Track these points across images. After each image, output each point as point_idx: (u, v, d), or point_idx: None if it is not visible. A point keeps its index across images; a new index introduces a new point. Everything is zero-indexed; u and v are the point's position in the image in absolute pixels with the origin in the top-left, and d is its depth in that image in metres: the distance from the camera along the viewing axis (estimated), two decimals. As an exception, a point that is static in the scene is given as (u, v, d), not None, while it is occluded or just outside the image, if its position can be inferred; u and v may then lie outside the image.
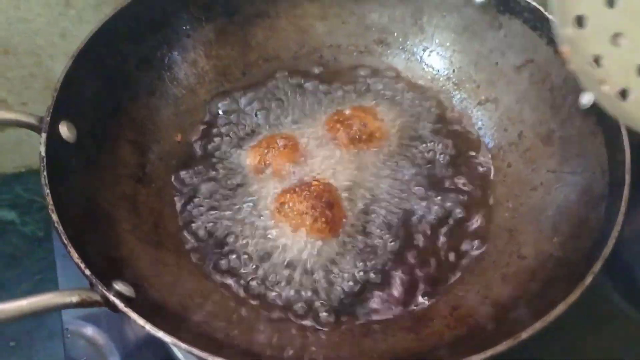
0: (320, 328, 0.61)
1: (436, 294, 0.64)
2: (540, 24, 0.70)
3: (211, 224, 0.68)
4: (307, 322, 0.61)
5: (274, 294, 0.63)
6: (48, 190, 0.54)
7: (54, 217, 0.52)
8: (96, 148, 0.64)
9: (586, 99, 0.66)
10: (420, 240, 0.68)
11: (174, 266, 0.63)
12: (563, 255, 0.60)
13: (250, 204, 0.69)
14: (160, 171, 0.71)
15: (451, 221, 0.69)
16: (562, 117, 0.69)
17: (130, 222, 0.63)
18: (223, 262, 0.65)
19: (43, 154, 0.56)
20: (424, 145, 0.75)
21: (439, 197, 0.71)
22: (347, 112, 0.75)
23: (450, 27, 0.78)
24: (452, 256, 0.67)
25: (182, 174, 0.72)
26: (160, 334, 0.47)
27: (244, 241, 0.67)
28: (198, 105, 0.77)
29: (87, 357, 0.71)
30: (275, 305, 0.62)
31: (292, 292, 0.63)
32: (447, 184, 0.72)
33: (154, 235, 0.65)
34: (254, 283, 0.64)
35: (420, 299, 0.64)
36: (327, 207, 0.65)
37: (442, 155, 0.74)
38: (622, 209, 0.56)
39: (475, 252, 0.67)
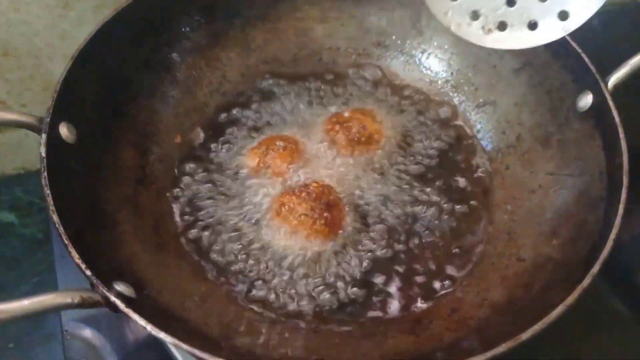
0: (320, 330, 0.61)
1: (435, 296, 0.64)
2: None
3: (211, 225, 0.68)
4: (307, 324, 0.61)
5: (273, 295, 0.63)
6: (48, 191, 0.54)
7: (55, 217, 0.52)
8: (96, 149, 0.64)
9: (584, 102, 0.66)
10: (418, 242, 0.68)
11: (175, 267, 0.64)
12: (562, 257, 0.60)
13: (250, 206, 0.69)
14: (160, 173, 0.71)
15: (450, 224, 0.69)
16: (560, 120, 0.69)
17: (131, 223, 0.64)
18: (223, 264, 0.65)
19: (43, 154, 0.56)
20: (423, 147, 0.75)
21: (438, 200, 0.71)
22: (346, 114, 0.75)
23: (449, 30, 0.79)
24: (451, 259, 0.67)
25: (182, 175, 0.72)
26: (162, 335, 0.47)
27: (244, 243, 0.67)
28: (198, 107, 0.77)
29: (86, 359, 0.71)
30: (275, 307, 0.62)
31: (291, 294, 0.63)
32: (445, 186, 0.72)
33: (154, 236, 0.65)
34: (254, 284, 0.64)
35: (419, 301, 0.64)
36: (326, 208, 0.65)
37: (440, 158, 0.75)
38: (620, 211, 0.56)
39: (474, 255, 0.67)
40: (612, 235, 0.54)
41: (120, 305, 0.49)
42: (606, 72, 0.65)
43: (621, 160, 0.59)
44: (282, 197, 0.67)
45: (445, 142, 0.76)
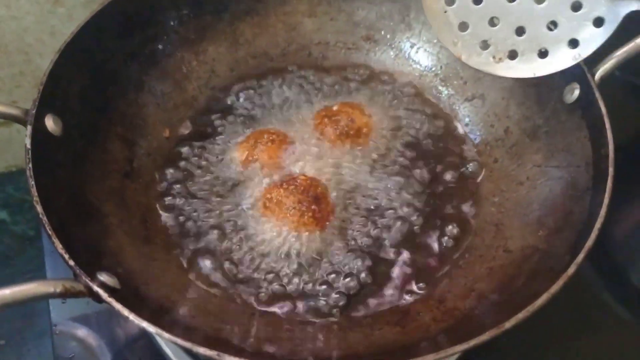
0: (306, 322, 0.61)
1: (423, 288, 0.64)
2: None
3: (199, 219, 0.68)
4: (294, 316, 0.61)
5: (260, 288, 0.63)
6: (33, 182, 0.54)
7: (39, 208, 0.52)
8: (83, 142, 0.64)
9: (571, 95, 0.66)
10: (407, 235, 0.68)
11: (162, 260, 0.63)
12: (548, 248, 0.60)
13: (238, 199, 0.69)
14: (148, 166, 0.71)
15: (438, 216, 0.69)
16: (547, 112, 0.69)
17: (118, 216, 0.63)
18: (210, 257, 0.65)
19: (28, 146, 0.56)
20: (411, 141, 0.75)
21: (426, 193, 0.71)
22: (335, 108, 0.75)
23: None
24: (439, 251, 0.67)
25: (170, 169, 0.72)
26: (144, 324, 0.47)
27: (231, 236, 0.66)
28: (186, 101, 0.77)
29: (76, 355, 0.71)
30: (262, 300, 0.62)
31: (278, 287, 0.63)
32: (434, 179, 0.72)
33: (141, 229, 0.65)
34: (240, 277, 0.64)
35: (407, 293, 0.64)
36: (314, 201, 0.65)
37: (429, 152, 0.75)
38: (606, 201, 0.56)
39: (462, 247, 0.67)
40: (598, 225, 0.54)
41: (103, 295, 0.48)
42: (592, 63, 0.65)
43: (607, 151, 0.59)
44: (270, 190, 0.67)
45: (434, 136, 0.76)
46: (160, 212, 0.68)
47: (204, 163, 0.73)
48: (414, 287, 0.64)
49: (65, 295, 0.48)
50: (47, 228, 0.51)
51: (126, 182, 0.68)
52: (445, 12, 0.65)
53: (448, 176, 0.73)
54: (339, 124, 0.73)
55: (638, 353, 0.73)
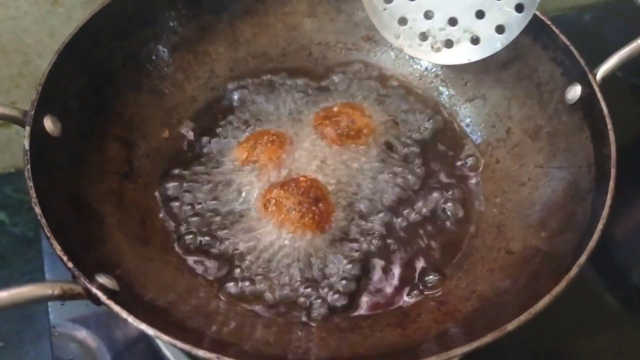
0: (308, 323, 0.61)
1: (424, 290, 0.64)
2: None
3: (198, 220, 0.67)
4: (294, 318, 0.61)
5: (260, 289, 0.63)
6: (31, 184, 0.53)
7: (37, 209, 0.52)
8: (82, 143, 0.64)
9: (572, 95, 0.66)
10: (408, 236, 0.68)
11: (160, 262, 0.63)
12: (550, 249, 0.60)
13: (238, 200, 0.69)
14: (147, 167, 0.71)
15: (439, 218, 0.69)
16: (549, 112, 0.69)
17: (116, 217, 0.63)
18: (210, 259, 0.65)
19: (27, 147, 0.56)
20: (412, 142, 0.75)
21: (427, 194, 0.71)
22: (335, 108, 0.75)
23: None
24: (440, 253, 0.67)
25: (169, 170, 0.71)
26: (143, 327, 0.47)
27: (231, 237, 0.66)
28: (185, 101, 0.77)
29: (75, 357, 0.71)
30: (262, 301, 0.62)
31: (279, 288, 0.63)
32: (435, 180, 0.72)
33: (140, 230, 0.65)
34: (240, 279, 0.64)
35: (408, 295, 0.64)
36: (314, 202, 0.65)
37: (430, 152, 0.75)
38: (608, 202, 0.56)
39: (463, 249, 0.67)
40: (600, 226, 0.54)
41: (102, 297, 0.48)
42: (595, 64, 0.65)
43: (609, 152, 0.59)
44: (270, 191, 0.67)
45: (435, 137, 0.76)
46: (159, 213, 0.68)
47: (203, 164, 0.72)
48: (415, 289, 0.64)
49: (63, 297, 0.48)
50: (46, 230, 0.51)
51: (125, 183, 0.68)
52: (385, 9, 0.71)
53: (449, 177, 0.73)
54: (339, 125, 0.72)
55: (639, 353, 0.73)
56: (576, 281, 0.52)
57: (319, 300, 0.62)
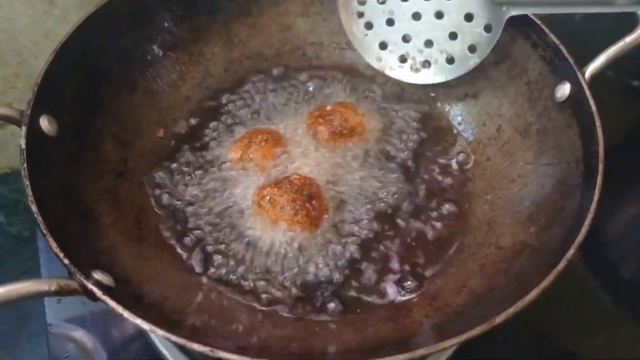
0: (301, 319, 0.61)
1: (416, 285, 0.64)
2: (517, 20, 0.71)
3: (192, 218, 0.68)
4: (288, 313, 0.62)
5: (253, 285, 0.64)
6: (28, 182, 0.54)
7: (33, 207, 0.52)
8: (78, 142, 0.65)
9: (562, 93, 0.67)
10: (401, 233, 0.68)
11: (155, 259, 0.64)
12: (539, 244, 0.61)
13: (232, 198, 0.69)
14: (142, 166, 0.71)
15: (431, 215, 0.70)
16: (539, 110, 0.70)
17: (112, 215, 0.64)
18: (204, 255, 0.66)
19: (23, 146, 0.56)
20: (404, 140, 0.76)
21: (420, 191, 0.72)
22: (328, 107, 0.75)
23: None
24: (432, 249, 0.68)
25: (164, 169, 0.72)
26: (138, 321, 0.47)
27: (226, 235, 0.67)
28: (180, 101, 0.78)
29: (71, 355, 0.71)
30: (256, 296, 0.63)
31: (272, 284, 0.64)
32: (427, 178, 0.73)
33: (135, 228, 0.65)
34: (234, 275, 0.64)
35: (400, 290, 0.64)
36: (307, 200, 0.66)
37: (422, 150, 0.75)
38: (596, 197, 0.57)
39: (454, 245, 0.68)
40: (588, 220, 0.55)
41: (98, 292, 0.49)
42: (584, 63, 0.66)
43: (597, 148, 0.60)
44: (264, 189, 0.68)
45: (427, 135, 0.77)
46: (154, 211, 0.69)
47: (198, 163, 0.73)
48: (407, 284, 0.64)
49: (59, 293, 0.49)
50: (42, 227, 0.51)
51: (120, 182, 0.68)
52: (366, 35, 0.76)
53: (441, 174, 0.73)
54: (332, 124, 0.73)
55: (629, 348, 0.73)
56: (567, 277, 0.52)
57: (312, 296, 0.63)
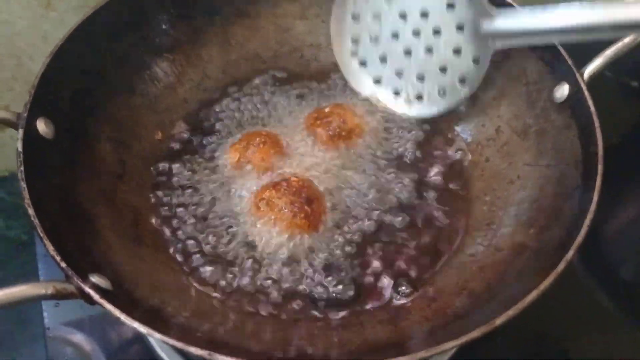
0: (300, 321, 0.61)
1: (415, 288, 0.64)
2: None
3: (191, 221, 0.68)
4: (286, 316, 0.62)
5: (253, 288, 0.63)
6: (24, 185, 0.54)
7: (30, 210, 0.52)
8: (75, 145, 0.64)
9: (560, 94, 0.67)
10: (399, 234, 0.68)
11: (153, 262, 0.63)
12: (538, 245, 0.61)
13: (230, 201, 0.69)
14: (140, 169, 0.71)
15: (430, 216, 0.70)
16: (537, 111, 0.70)
17: (109, 218, 0.63)
18: (202, 258, 0.65)
19: (20, 149, 0.56)
20: (403, 141, 0.76)
21: (418, 192, 0.71)
22: (327, 109, 0.75)
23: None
24: (431, 251, 0.67)
25: (162, 171, 0.72)
26: (136, 325, 0.47)
27: (224, 237, 0.67)
28: (178, 103, 0.77)
29: (69, 358, 0.71)
30: (255, 299, 0.63)
31: (272, 286, 0.63)
32: (426, 179, 0.73)
33: (133, 231, 0.65)
34: (234, 277, 0.64)
35: (399, 293, 0.64)
36: (306, 202, 0.66)
37: (421, 151, 0.75)
38: (595, 198, 0.56)
39: (454, 246, 0.68)
40: (587, 222, 0.55)
41: (95, 296, 0.49)
42: (582, 62, 0.66)
43: (596, 149, 0.60)
44: (262, 191, 0.67)
45: (425, 136, 0.76)
46: (152, 214, 0.68)
47: (196, 165, 0.73)
48: (406, 286, 0.64)
49: (56, 296, 0.49)
50: (39, 230, 0.51)
51: (118, 185, 0.68)
52: (361, 72, 0.77)
53: (439, 176, 0.73)
54: (330, 126, 0.73)
55: (629, 349, 0.73)
56: (566, 278, 0.52)
57: (312, 299, 0.63)
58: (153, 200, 0.70)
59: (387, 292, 0.64)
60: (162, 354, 0.70)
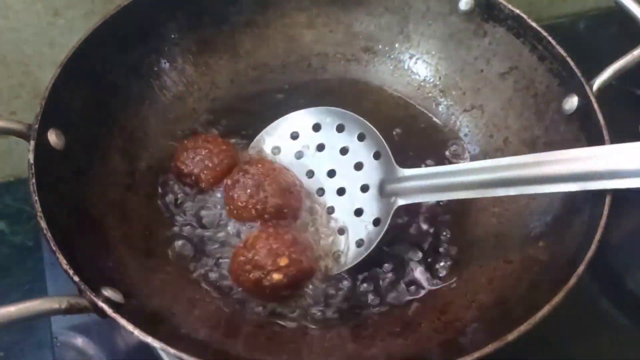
0: (309, 333, 0.61)
1: (424, 299, 0.64)
2: (523, 32, 0.71)
3: (199, 231, 0.68)
4: (297, 327, 0.62)
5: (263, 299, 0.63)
6: (36, 197, 0.54)
7: (43, 223, 0.52)
8: (85, 156, 0.64)
9: (569, 105, 0.67)
10: (407, 244, 0.69)
11: (164, 273, 0.64)
12: (548, 259, 0.61)
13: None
14: (150, 179, 0.71)
15: (438, 227, 0.70)
16: (546, 123, 0.70)
17: (120, 229, 0.64)
18: (214, 269, 0.65)
19: (31, 161, 0.56)
20: (411, 151, 0.76)
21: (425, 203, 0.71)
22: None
23: (436, 35, 0.79)
24: (439, 261, 0.68)
25: (172, 182, 0.71)
26: (149, 340, 0.47)
27: (228, 247, 0.67)
28: (187, 113, 0.77)
29: (77, 365, 0.71)
30: (264, 311, 0.63)
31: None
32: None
33: (143, 242, 0.65)
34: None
35: (408, 304, 0.64)
36: (277, 193, 0.64)
37: (429, 161, 0.75)
38: (605, 212, 0.56)
39: (462, 258, 0.68)
40: (597, 237, 0.55)
41: (108, 310, 0.49)
42: (591, 75, 0.66)
43: (606, 162, 0.59)
44: (227, 192, 0.66)
45: (433, 146, 0.77)
46: (162, 224, 0.68)
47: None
48: (414, 298, 0.64)
49: (70, 311, 0.49)
50: (52, 244, 0.51)
51: (128, 195, 0.68)
52: None
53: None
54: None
55: (636, 357, 0.73)
56: (572, 287, 0.53)
57: (320, 308, 0.63)
58: (162, 210, 0.69)
59: (395, 303, 0.65)
60: (167, 360, 0.70)
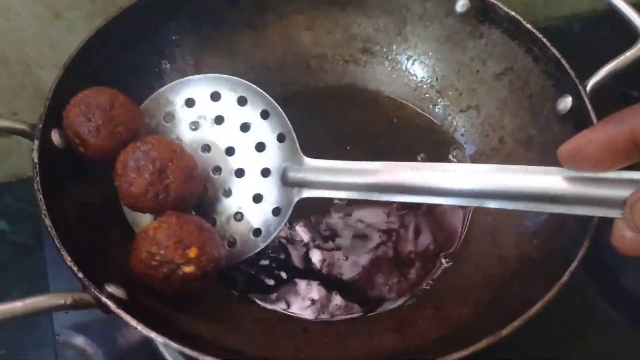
0: (307, 329, 0.63)
1: (420, 295, 0.65)
2: (518, 34, 0.72)
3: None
4: (294, 323, 0.63)
5: (262, 295, 0.65)
6: (41, 196, 0.55)
7: (47, 221, 0.53)
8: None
9: (563, 106, 0.68)
10: (403, 242, 0.70)
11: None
12: (542, 256, 0.62)
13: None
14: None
15: (433, 224, 0.71)
16: (541, 123, 0.71)
17: (120, 227, 0.64)
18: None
19: (36, 160, 0.57)
20: (408, 152, 0.77)
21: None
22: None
23: (433, 36, 0.80)
24: (435, 258, 0.69)
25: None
26: (153, 335, 0.48)
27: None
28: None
29: (78, 363, 0.72)
30: (267, 307, 0.64)
31: (281, 292, 0.65)
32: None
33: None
34: (241, 282, 0.65)
35: (404, 300, 0.65)
36: (181, 180, 0.57)
37: (426, 161, 0.76)
38: (597, 212, 0.57)
39: (458, 255, 0.69)
40: (590, 234, 0.56)
41: (112, 306, 0.50)
42: (585, 76, 0.67)
43: (599, 162, 0.60)
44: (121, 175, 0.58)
45: (429, 147, 0.78)
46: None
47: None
48: (411, 295, 0.65)
49: (75, 307, 0.49)
50: (57, 242, 0.52)
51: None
52: None
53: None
54: None
55: (631, 356, 0.74)
56: (567, 285, 0.53)
57: (322, 305, 0.64)
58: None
59: (391, 299, 0.66)
60: (170, 358, 0.70)
